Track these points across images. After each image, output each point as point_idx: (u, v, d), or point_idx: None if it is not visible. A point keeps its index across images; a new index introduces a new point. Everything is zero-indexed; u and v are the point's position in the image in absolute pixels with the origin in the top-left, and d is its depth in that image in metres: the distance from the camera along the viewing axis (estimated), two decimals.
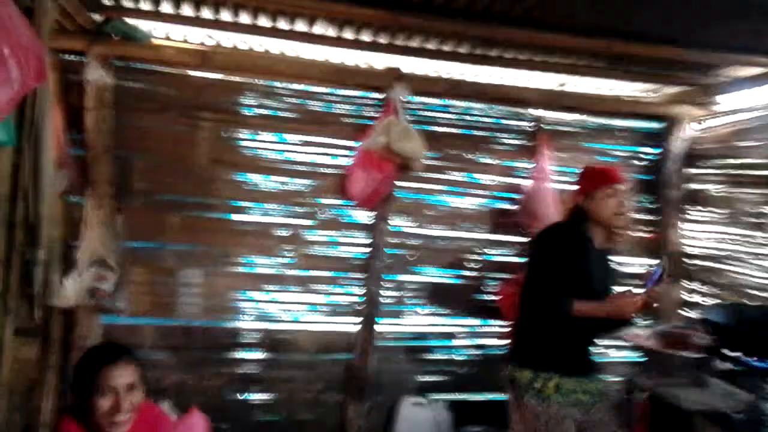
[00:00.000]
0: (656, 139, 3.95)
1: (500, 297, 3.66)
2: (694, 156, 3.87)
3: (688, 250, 3.86)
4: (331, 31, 3.04)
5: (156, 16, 2.95)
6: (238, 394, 3.46)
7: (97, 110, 3.10)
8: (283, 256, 3.49)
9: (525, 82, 3.67)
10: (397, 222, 3.62)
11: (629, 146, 3.95)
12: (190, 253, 3.36)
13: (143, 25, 3.09)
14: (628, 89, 3.85)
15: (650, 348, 3.09)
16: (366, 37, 3.10)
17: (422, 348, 3.73)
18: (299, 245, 3.51)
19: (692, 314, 3.63)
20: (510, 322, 3.21)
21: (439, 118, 3.66)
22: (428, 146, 3.35)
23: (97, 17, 2.99)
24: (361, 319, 3.57)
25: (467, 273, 3.76)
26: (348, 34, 3.08)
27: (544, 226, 2.63)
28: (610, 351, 3.82)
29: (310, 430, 3.57)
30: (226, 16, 2.92)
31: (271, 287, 3.48)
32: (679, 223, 3.92)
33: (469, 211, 3.74)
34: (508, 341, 2.64)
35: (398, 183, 3.50)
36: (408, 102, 3.43)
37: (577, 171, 2.65)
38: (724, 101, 3.67)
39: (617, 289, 2.48)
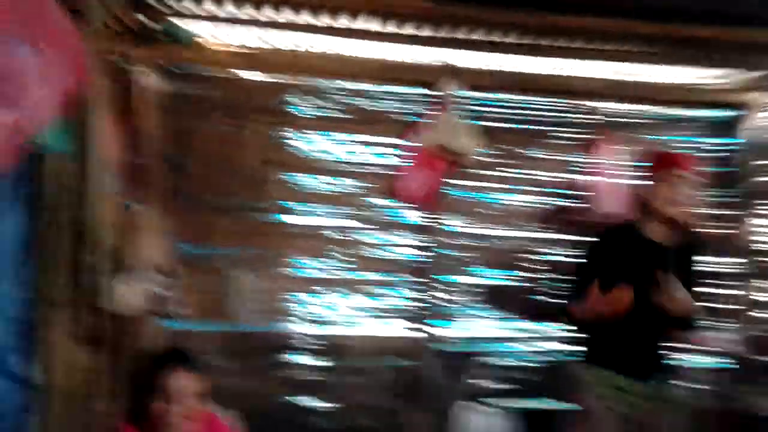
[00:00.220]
0: (726, 129, 3.70)
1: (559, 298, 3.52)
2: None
3: (761, 246, 3.61)
4: (374, 25, 2.97)
5: (201, 16, 2.94)
6: (292, 399, 3.42)
7: (148, 113, 3.11)
8: (335, 259, 3.44)
9: (582, 72, 3.49)
10: (450, 222, 3.52)
11: (695, 137, 3.71)
12: (242, 256, 3.34)
13: (190, 27, 3.09)
14: (693, 76, 3.61)
15: (738, 354, 2.87)
16: (413, 30, 3.01)
17: (480, 353, 3.61)
18: (350, 247, 3.45)
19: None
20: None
21: (492, 112, 3.53)
22: (481, 142, 3.24)
23: (145, 21, 3.00)
24: (415, 322, 3.48)
25: (524, 274, 3.62)
26: (393, 28, 2.99)
27: (599, 229, 2.53)
28: (691, 355, 3.59)
29: None
30: (268, 13, 2.88)
31: (323, 290, 3.44)
32: (750, 218, 3.67)
33: (525, 209, 3.60)
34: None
35: (451, 181, 3.40)
36: (459, 97, 3.32)
37: (639, 164, 2.51)
38: None
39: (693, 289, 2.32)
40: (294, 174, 3.38)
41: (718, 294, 3.50)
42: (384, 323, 3.51)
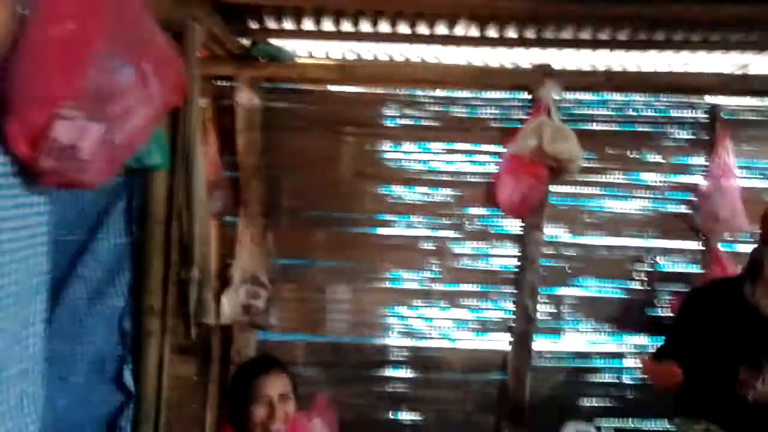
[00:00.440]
0: None
1: (674, 311, 3.19)
2: None
3: None
4: (473, 31, 2.87)
5: (298, 34, 2.98)
6: (386, 413, 3.39)
7: (248, 132, 3.20)
8: (430, 270, 3.36)
9: (698, 67, 3.21)
10: (552, 230, 3.34)
11: None
12: (337, 269, 3.35)
13: (287, 45, 3.14)
14: None
15: None
16: (511, 33, 2.88)
17: (586, 369, 3.40)
18: (446, 258, 3.36)
19: None
20: None
21: (596, 114, 3.32)
22: (585, 146, 3.05)
23: (244, 41, 3.08)
24: (514, 336, 3.33)
25: (635, 286, 3.37)
26: (492, 32, 2.89)
27: (699, 284, 2.25)
28: None
29: None
30: (365, 27, 2.87)
31: (418, 302, 3.37)
32: None
33: (635, 216, 3.35)
34: None
35: (552, 188, 3.23)
36: (560, 100, 3.15)
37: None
38: None
39: None
40: (390, 186, 3.34)
41: None
42: (483, 336, 3.39)
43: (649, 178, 3.34)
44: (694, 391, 2.09)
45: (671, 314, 3.29)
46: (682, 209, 3.32)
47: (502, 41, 2.96)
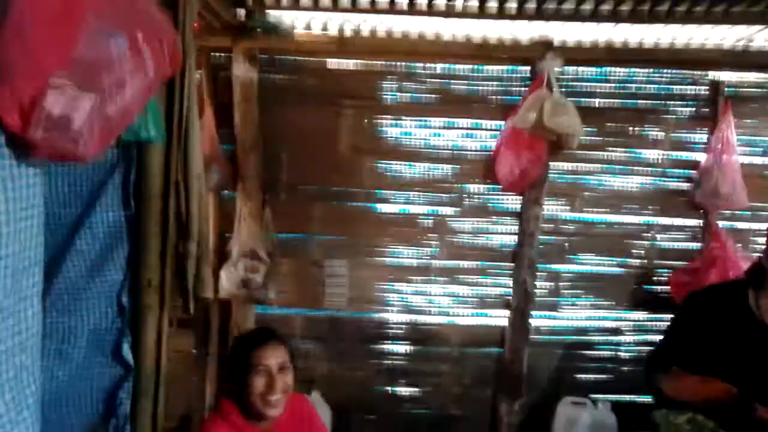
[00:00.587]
0: None
1: (672, 288, 3.27)
2: None
3: None
4: (474, 3, 2.82)
5: (296, 6, 2.93)
6: (385, 387, 3.42)
7: (245, 105, 3.16)
8: (429, 246, 3.36)
9: (702, 41, 3.17)
10: (550, 206, 3.33)
11: None
12: (335, 243, 3.35)
13: (284, 16, 3.09)
14: None
15: None
16: (512, 4, 2.84)
17: (582, 344, 3.42)
18: (445, 234, 3.35)
19: None
20: None
21: (597, 89, 3.27)
22: (585, 122, 3.01)
23: (241, 12, 3.03)
24: (512, 311, 3.35)
25: (632, 261, 3.37)
26: (492, 4, 2.84)
27: (698, 288, 2.17)
28: None
29: (459, 425, 3.46)
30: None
31: (416, 278, 3.38)
32: None
33: (634, 193, 3.33)
34: None
35: (552, 164, 3.22)
36: (561, 73, 3.11)
37: None
38: None
39: None
40: (389, 161, 3.32)
41: None
42: (481, 312, 3.40)
43: (650, 154, 3.31)
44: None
45: (667, 292, 3.30)
46: (683, 186, 3.31)
47: (503, 14, 2.92)
